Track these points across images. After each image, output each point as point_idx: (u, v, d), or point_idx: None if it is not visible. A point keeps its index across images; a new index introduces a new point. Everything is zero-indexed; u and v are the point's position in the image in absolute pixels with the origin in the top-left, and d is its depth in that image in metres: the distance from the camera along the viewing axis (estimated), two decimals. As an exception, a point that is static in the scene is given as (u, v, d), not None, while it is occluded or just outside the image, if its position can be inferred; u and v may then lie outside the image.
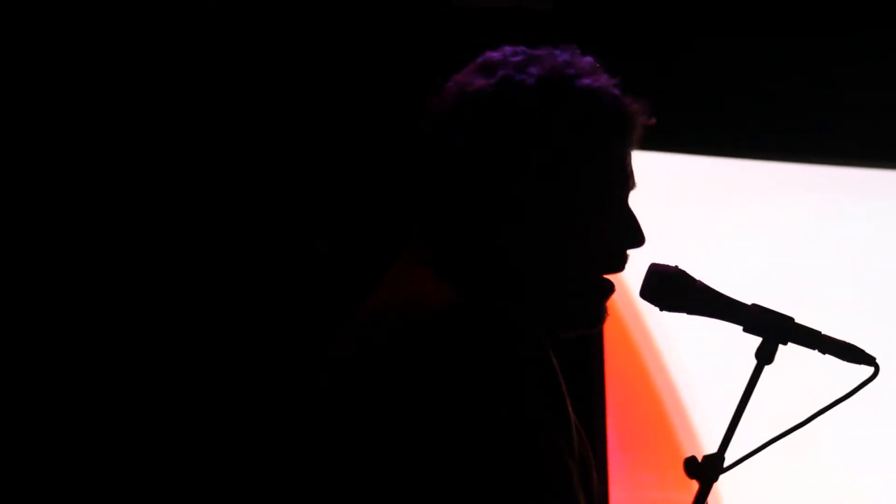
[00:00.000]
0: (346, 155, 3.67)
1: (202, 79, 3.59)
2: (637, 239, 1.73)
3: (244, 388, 3.48)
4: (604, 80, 1.72)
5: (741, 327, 1.75)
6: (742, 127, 4.07)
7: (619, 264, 1.74)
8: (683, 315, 1.76)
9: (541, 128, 1.68)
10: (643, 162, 3.81)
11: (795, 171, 4.05)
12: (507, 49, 1.73)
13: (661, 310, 1.76)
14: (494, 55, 1.73)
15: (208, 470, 3.45)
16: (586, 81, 1.70)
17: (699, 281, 1.76)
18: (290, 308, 3.55)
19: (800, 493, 3.88)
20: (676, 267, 1.76)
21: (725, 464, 1.70)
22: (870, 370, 1.75)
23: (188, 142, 3.57)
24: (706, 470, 1.70)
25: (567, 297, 1.71)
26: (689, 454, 1.71)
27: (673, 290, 1.75)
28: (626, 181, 1.75)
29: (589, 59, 1.73)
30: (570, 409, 1.59)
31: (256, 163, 3.61)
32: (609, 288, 1.73)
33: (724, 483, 1.72)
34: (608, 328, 3.66)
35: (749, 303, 1.76)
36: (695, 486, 1.71)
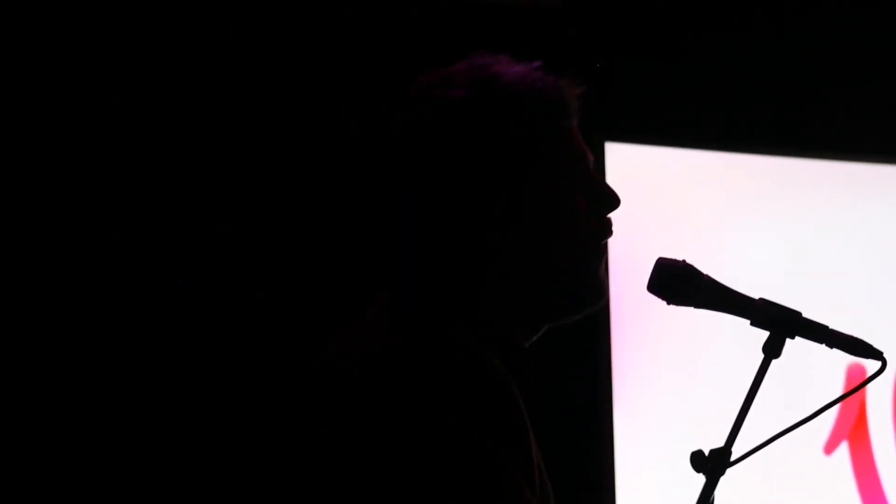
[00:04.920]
0: (344, 156, 3.59)
1: (190, 86, 3.55)
2: (612, 201, 1.74)
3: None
4: (526, 68, 1.73)
5: (748, 321, 1.76)
6: (752, 121, 4.07)
7: (607, 231, 1.74)
8: (691, 308, 1.77)
9: (506, 136, 1.69)
10: (650, 157, 3.83)
11: (802, 165, 4.05)
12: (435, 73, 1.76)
13: (669, 304, 1.77)
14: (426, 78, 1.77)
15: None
16: (517, 72, 1.71)
17: (707, 275, 1.76)
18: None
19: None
20: (684, 261, 1.76)
21: (732, 458, 1.70)
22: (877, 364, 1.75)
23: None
24: (713, 464, 1.70)
25: (570, 280, 1.71)
26: (695, 448, 1.71)
27: (680, 284, 1.76)
28: (585, 155, 1.75)
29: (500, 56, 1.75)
30: (532, 443, 1.58)
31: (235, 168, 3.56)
32: (602, 252, 1.74)
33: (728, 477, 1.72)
34: (615, 319, 3.67)
35: (756, 297, 1.76)
36: (701, 480, 1.71)
